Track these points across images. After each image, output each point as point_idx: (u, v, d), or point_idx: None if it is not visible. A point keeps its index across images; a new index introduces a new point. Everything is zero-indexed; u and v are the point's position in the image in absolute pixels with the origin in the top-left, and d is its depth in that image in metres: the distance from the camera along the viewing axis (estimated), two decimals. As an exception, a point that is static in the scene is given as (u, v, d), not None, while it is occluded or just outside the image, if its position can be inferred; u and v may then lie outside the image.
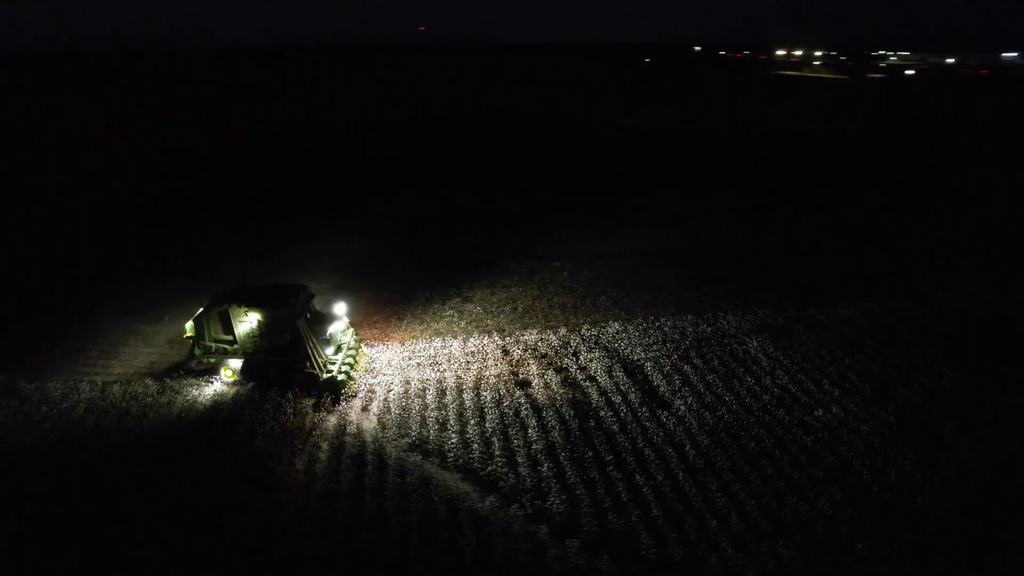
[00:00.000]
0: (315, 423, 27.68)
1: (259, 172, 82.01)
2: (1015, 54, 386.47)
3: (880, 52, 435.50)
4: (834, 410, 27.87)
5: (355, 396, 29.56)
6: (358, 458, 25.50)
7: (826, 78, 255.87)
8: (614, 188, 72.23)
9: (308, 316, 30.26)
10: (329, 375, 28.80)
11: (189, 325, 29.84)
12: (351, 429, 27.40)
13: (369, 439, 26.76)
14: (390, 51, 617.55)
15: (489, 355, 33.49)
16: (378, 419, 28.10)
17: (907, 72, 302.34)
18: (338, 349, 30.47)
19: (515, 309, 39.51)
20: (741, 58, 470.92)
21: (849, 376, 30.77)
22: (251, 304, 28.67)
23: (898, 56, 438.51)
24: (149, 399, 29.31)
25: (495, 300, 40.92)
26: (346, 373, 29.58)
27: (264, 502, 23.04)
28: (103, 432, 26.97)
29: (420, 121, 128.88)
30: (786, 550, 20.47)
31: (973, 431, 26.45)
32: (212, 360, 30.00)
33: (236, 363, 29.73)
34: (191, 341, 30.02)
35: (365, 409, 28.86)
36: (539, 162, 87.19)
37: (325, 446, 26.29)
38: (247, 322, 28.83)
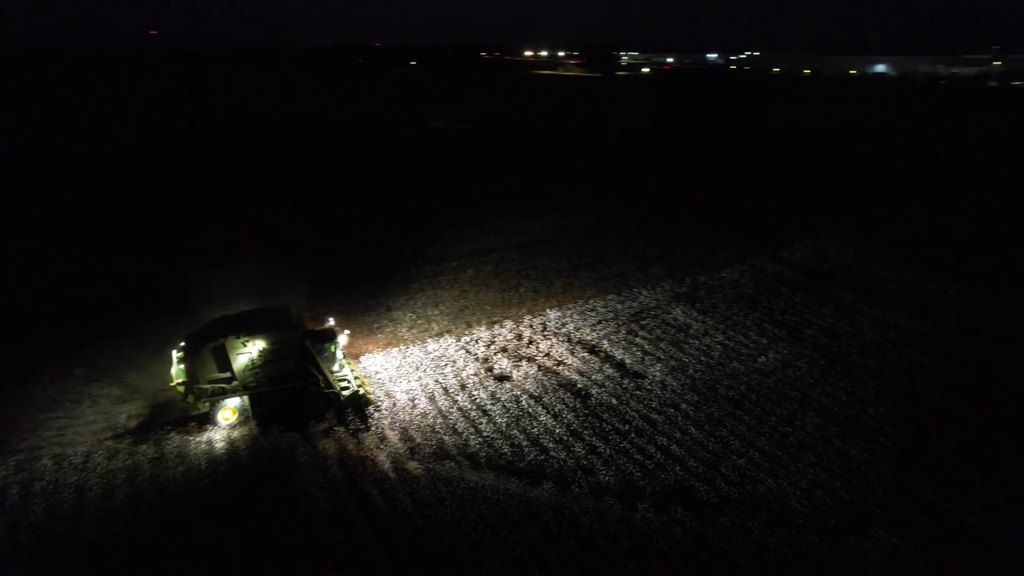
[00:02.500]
0: (322, 451, 25.58)
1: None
2: (716, 55, 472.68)
3: (615, 52, 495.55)
4: (771, 355, 33.13)
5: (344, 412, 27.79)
6: (389, 476, 24.21)
7: (581, 76, 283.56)
8: (458, 188, 73.97)
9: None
10: (349, 391, 26.77)
11: (175, 371, 25.32)
12: (361, 451, 25.78)
13: (384, 456, 25.46)
14: (119, 57, 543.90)
15: (455, 356, 33.35)
16: (382, 435, 26.82)
17: (643, 70, 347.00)
18: (340, 365, 28.38)
19: (448, 310, 39.48)
20: (490, 58, 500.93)
21: (765, 327, 36.56)
22: (251, 332, 25.31)
23: (629, 56, 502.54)
24: (122, 464, 24.51)
25: (420, 305, 40.38)
26: (361, 386, 27.75)
27: (324, 546, 21.00)
28: (94, 510, 22.18)
29: (207, 133, 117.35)
30: (807, 469, 24.44)
31: (871, 353, 33.45)
32: (205, 406, 25.80)
33: (234, 401, 26.05)
34: (182, 388, 25.48)
35: (359, 430, 27.29)
36: (365, 169, 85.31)
37: (344, 473, 24.53)
38: (246, 353, 25.40)
